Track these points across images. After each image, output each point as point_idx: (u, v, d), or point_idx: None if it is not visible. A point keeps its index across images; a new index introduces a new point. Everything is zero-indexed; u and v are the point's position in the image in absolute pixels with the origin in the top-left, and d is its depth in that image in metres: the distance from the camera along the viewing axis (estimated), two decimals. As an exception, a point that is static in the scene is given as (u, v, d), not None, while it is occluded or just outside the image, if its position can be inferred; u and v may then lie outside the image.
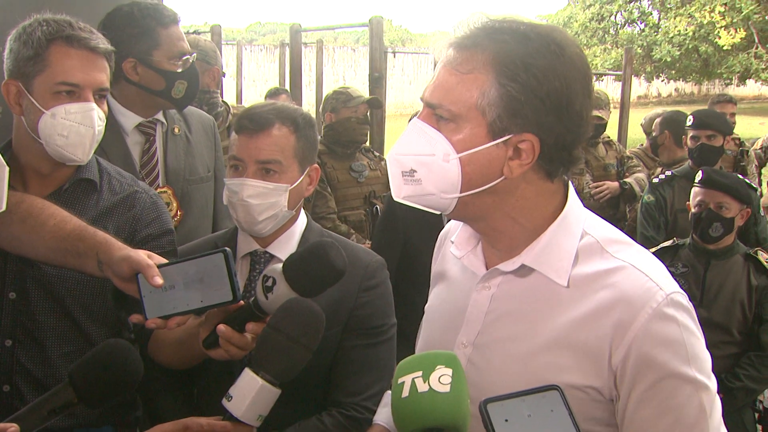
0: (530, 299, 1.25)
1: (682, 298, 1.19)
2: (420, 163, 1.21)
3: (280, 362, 1.33)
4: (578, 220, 1.27)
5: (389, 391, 1.43)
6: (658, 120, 5.05)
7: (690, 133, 4.04)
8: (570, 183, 1.30)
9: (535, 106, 1.15)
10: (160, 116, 2.46)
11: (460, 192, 1.20)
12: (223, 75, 3.91)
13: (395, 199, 1.27)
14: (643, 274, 1.18)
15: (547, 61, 1.15)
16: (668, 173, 4.10)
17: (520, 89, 1.14)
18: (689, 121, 4.10)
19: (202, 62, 3.26)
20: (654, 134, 5.01)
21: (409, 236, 3.16)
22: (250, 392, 1.32)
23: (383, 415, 1.52)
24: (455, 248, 1.38)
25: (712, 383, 1.19)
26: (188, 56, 2.39)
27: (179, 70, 2.36)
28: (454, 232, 1.41)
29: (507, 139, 1.17)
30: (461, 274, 1.38)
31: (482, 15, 1.20)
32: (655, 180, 4.12)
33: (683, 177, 3.98)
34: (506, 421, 0.93)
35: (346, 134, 3.84)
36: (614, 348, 1.16)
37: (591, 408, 1.19)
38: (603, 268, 1.21)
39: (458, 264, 1.39)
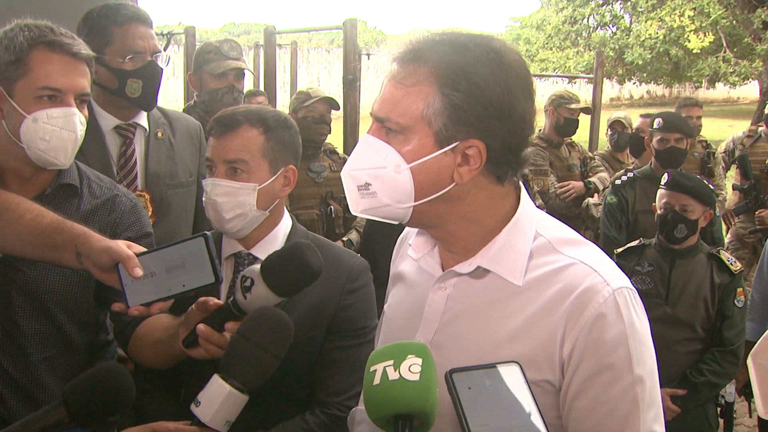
0: (486, 299, 1.29)
1: (629, 293, 1.23)
2: (373, 176, 1.24)
3: (248, 370, 1.36)
4: (531, 221, 1.31)
5: (361, 408, 1.45)
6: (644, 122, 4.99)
7: (658, 136, 4.09)
8: (522, 185, 1.34)
9: (479, 112, 1.20)
10: (142, 120, 2.48)
11: (414, 201, 1.24)
12: None
13: (352, 212, 1.30)
14: (591, 269, 1.23)
15: (487, 69, 1.20)
16: (630, 175, 4.17)
17: (462, 97, 1.19)
18: (657, 124, 4.15)
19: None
20: (642, 135, 4.88)
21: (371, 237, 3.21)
22: (218, 398, 1.34)
23: None
24: (412, 251, 1.42)
25: (651, 377, 1.23)
26: (143, 53, 2.37)
27: (128, 68, 2.34)
28: (412, 235, 1.45)
29: (454, 147, 1.21)
30: (418, 275, 1.42)
31: (423, 30, 1.25)
32: (618, 182, 4.18)
33: (645, 179, 4.07)
34: (469, 389, 1.00)
35: (303, 133, 3.86)
36: (564, 341, 1.21)
37: (545, 399, 1.23)
38: (555, 267, 1.25)
39: (416, 266, 1.43)
